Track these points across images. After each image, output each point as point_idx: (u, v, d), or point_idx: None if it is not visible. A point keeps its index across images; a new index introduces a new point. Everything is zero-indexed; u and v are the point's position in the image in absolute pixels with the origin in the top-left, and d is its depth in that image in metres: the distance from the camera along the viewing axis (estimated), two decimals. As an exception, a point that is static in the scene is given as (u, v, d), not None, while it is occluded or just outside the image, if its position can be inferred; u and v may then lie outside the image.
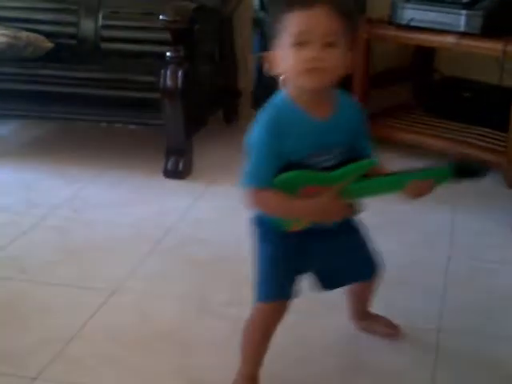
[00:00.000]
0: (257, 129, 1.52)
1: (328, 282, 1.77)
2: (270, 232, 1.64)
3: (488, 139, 3.04)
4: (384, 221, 2.26)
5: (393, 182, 1.52)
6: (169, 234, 2.59)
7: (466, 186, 2.82)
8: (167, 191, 2.95)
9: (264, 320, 1.70)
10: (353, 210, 1.54)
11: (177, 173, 3.05)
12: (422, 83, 3.41)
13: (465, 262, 2.37)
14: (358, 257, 1.77)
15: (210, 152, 3.32)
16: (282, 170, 1.49)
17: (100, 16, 3.54)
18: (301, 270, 1.70)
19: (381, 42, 3.22)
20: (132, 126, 3.15)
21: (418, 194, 1.56)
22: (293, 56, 1.44)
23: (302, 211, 1.55)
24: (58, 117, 3.25)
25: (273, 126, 1.50)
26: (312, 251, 1.67)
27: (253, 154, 1.52)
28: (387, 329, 1.96)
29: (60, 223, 2.68)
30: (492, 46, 2.77)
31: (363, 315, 1.97)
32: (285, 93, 1.53)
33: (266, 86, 3.29)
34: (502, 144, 2.96)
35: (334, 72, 1.46)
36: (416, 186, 1.55)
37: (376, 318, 1.98)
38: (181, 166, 3.05)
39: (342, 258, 1.73)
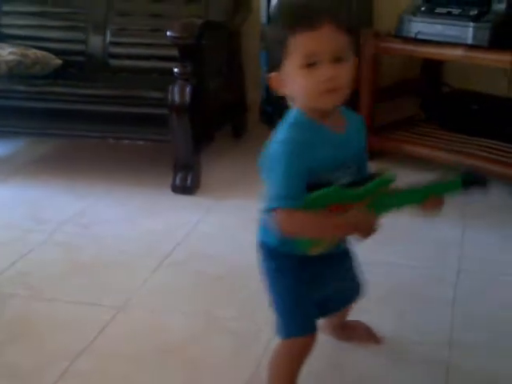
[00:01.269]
0: (278, 148, 1.45)
1: (323, 309, 1.72)
2: (285, 261, 1.59)
3: (497, 151, 3.01)
4: (394, 234, 2.24)
5: (411, 197, 1.51)
6: (177, 249, 2.58)
7: (476, 198, 2.84)
8: (175, 206, 2.94)
9: (294, 356, 1.66)
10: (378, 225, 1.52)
11: (185, 188, 3.05)
12: (429, 96, 3.40)
13: (475, 276, 2.35)
14: (350, 280, 1.74)
15: (218, 167, 3.32)
16: (306, 188, 1.46)
17: (108, 33, 3.57)
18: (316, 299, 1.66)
19: (388, 55, 3.22)
20: (140, 142, 3.16)
21: (435, 208, 1.55)
22: (306, 78, 1.40)
23: (335, 228, 1.51)
24: (67, 134, 3.26)
25: (295, 145, 1.44)
26: (325, 277, 1.64)
27: (276, 175, 1.44)
28: (367, 334, 1.95)
29: (68, 239, 2.68)
30: (500, 58, 2.75)
31: (343, 326, 1.95)
32: (298, 110, 1.49)
33: (275, 100, 3.30)
34: (511, 156, 2.94)
35: (347, 87, 1.45)
36: (432, 201, 1.54)
37: (353, 326, 1.95)
38: (189, 181, 3.05)
39: (340, 282, 1.71)
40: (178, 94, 2.92)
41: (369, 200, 1.48)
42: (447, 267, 2.40)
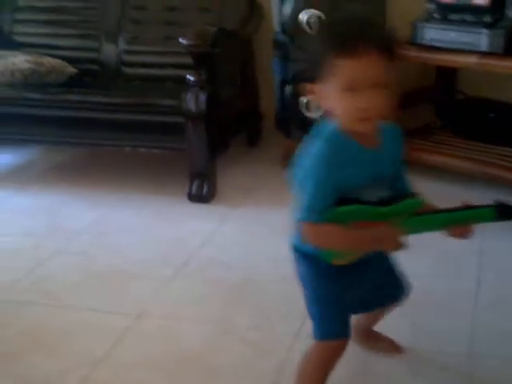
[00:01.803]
0: (310, 163, 1.47)
1: (361, 307, 1.75)
2: (323, 268, 1.59)
3: (512, 159, 3.01)
4: (411, 243, 2.22)
5: (440, 222, 1.52)
6: (193, 257, 2.58)
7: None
8: (191, 215, 2.94)
9: (325, 358, 1.66)
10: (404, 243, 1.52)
11: (201, 196, 3.05)
12: (444, 104, 3.39)
13: (494, 286, 2.33)
14: (389, 283, 1.75)
15: (233, 175, 3.31)
16: (336, 203, 1.47)
17: (121, 41, 3.58)
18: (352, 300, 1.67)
19: (402, 62, 3.21)
20: (155, 150, 3.16)
21: (463, 236, 1.56)
22: (345, 101, 1.40)
23: (360, 241, 1.52)
24: (82, 142, 3.26)
25: (329, 159, 1.45)
26: (361, 282, 1.65)
27: (306, 188, 1.46)
28: (390, 345, 1.95)
29: (84, 247, 2.68)
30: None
31: (368, 334, 1.95)
32: (333, 123, 1.48)
33: (290, 108, 3.30)
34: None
35: (384, 112, 1.45)
36: (461, 229, 1.54)
37: (378, 336, 1.96)
38: (205, 189, 3.05)
39: (378, 284, 1.70)
40: (193, 101, 2.92)
41: (395, 220, 1.49)
42: (466, 277, 2.39)
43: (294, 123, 3.32)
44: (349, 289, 1.62)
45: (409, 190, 1.60)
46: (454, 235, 1.56)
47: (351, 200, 1.47)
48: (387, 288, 1.75)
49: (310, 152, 1.47)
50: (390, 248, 1.52)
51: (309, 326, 2.07)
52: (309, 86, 1.47)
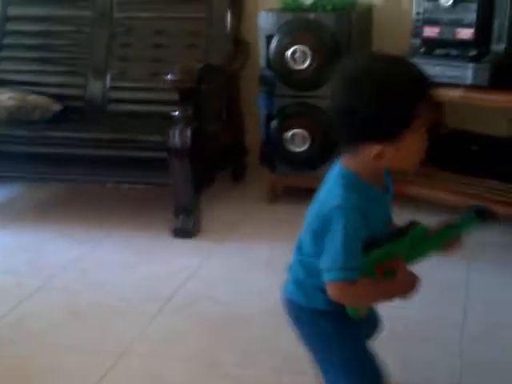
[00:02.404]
0: (338, 215, 1.36)
1: None
2: (341, 321, 1.51)
3: (499, 192, 2.99)
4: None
5: (437, 241, 1.51)
6: (178, 293, 2.55)
7: (480, 239, 2.81)
8: (176, 250, 2.91)
9: None
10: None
11: (186, 232, 3.02)
12: (430, 138, 3.39)
13: (482, 317, 2.31)
14: (372, 314, 1.71)
15: (218, 210, 3.29)
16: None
17: (108, 78, 3.57)
18: None
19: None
20: (140, 186, 3.14)
21: (456, 248, 1.53)
22: (421, 147, 1.37)
23: (391, 292, 1.47)
24: (66, 178, 3.24)
25: (356, 212, 1.36)
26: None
27: (336, 244, 1.36)
28: None
29: (67, 284, 2.64)
30: (501, 98, 2.76)
31: None
32: (350, 171, 1.42)
33: (274, 143, 3.30)
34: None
35: None
36: (454, 241, 1.52)
37: None
38: (190, 224, 3.02)
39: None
40: (179, 137, 2.91)
41: (405, 252, 1.47)
42: (453, 309, 2.36)
43: (279, 158, 3.32)
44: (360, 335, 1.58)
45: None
46: (449, 252, 1.53)
47: (374, 244, 1.43)
48: (371, 320, 1.71)
49: (333, 202, 1.38)
50: (411, 294, 1.48)
51: (293, 362, 2.07)
52: (377, 151, 1.35)
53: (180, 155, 2.93)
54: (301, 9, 3.17)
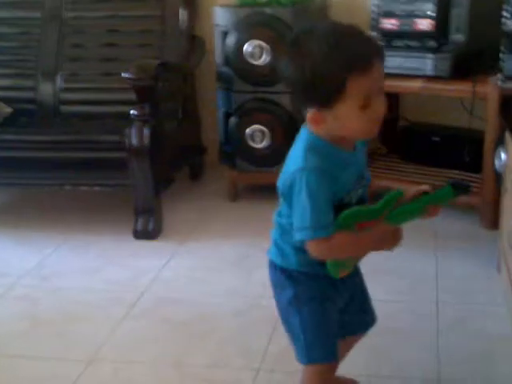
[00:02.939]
0: (302, 177, 1.39)
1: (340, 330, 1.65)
2: (310, 284, 1.53)
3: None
4: (368, 270, 2.20)
5: (416, 208, 1.50)
6: (143, 296, 2.48)
7: (445, 229, 2.82)
8: (138, 253, 2.84)
9: (323, 382, 1.60)
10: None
11: (147, 233, 2.95)
12: (389, 130, 3.38)
13: (453, 307, 2.30)
14: (365, 303, 1.69)
15: (178, 210, 3.23)
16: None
17: (58, 79, 3.48)
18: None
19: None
20: (98, 188, 3.05)
21: (435, 214, 1.52)
22: (361, 118, 1.35)
23: (371, 244, 1.48)
24: (20, 183, 3.15)
25: (319, 173, 1.39)
26: (341, 295, 1.60)
27: (304, 205, 1.39)
28: None
29: (27, 293, 2.54)
30: (461, 88, 2.76)
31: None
32: (312, 134, 1.43)
33: (234, 140, 3.25)
34: (474, 185, 2.93)
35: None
36: (433, 208, 1.50)
37: (340, 381, 1.81)
38: (151, 225, 2.95)
39: (356, 302, 1.65)
40: (137, 136, 2.84)
41: (384, 215, 1.47)
42: (425, 300, 2.35)
43: (239, 155, 3.27)
44: (332, 304, 1.57)
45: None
46: (428, 216, 1.51)
47: (346, 204, 1.44)
48: (360, 314, 1.68)
49: (296, 165, 1.41)
50: (392, 246, 1.49)
51: (269, 360, 2.03)
52: (312, 115, 1.39)
53: (139, 155, 2.86)
54: (257, 3, 3.13)
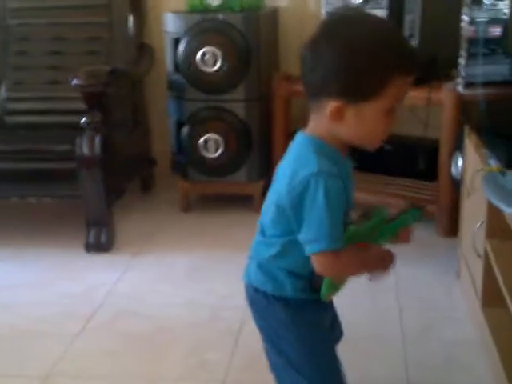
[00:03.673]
0: (325, 180, 1.26)
1: None
2: (307, 309, 1.44)
3: (415, 189, 3.02)
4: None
5: (392, 230, 1.45)
6: (99, 310, 2.39)
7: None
8: (91, 266, 2.75)
9: None
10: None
11: (99, 246, 2.86)
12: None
13: (417, 314, 2.29)
14: (335, 315, 1.64)
15: (130, 222, 3.15)
16: None
17: (2, 89, 3.36)
18: None
19: (299, 98, 3.18)
20: (47, 199, 2.94)
21: (409, 238, 1.47)
22: (381, 123, 1.29)
23: (374, 263, 1.40)
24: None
25: (333, 178, 1.27)
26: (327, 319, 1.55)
27: (317, 214, 1.27)
28: None
29: (-25, 309, 2.43)
30: (415, 95, 2.75)
31: None
32: (314, 138, 1.33)
33: (186, 150, 3.19)
34: (430, 193, 2.94)
35: None
36: (405, 231, 1.46)
37: None
38: (103, 238, 2.86)
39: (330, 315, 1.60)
40: (87, 145, 2.76)
41: (373, 236, 1.42)
42: (387, 309, 2.33)
43: (192, 165, 3.21)
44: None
45: None
46: (401, 240, 1.46)
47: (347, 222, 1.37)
48: (333, 327, 1.62)
49: (307, 169, 1.29)
50: (389, 267, 1.42)
51: (234, 372, 1.97)
52: (336, 107, 1.27)
53: (90, 165, 2.78)
54: (208, 9, 3.09)
